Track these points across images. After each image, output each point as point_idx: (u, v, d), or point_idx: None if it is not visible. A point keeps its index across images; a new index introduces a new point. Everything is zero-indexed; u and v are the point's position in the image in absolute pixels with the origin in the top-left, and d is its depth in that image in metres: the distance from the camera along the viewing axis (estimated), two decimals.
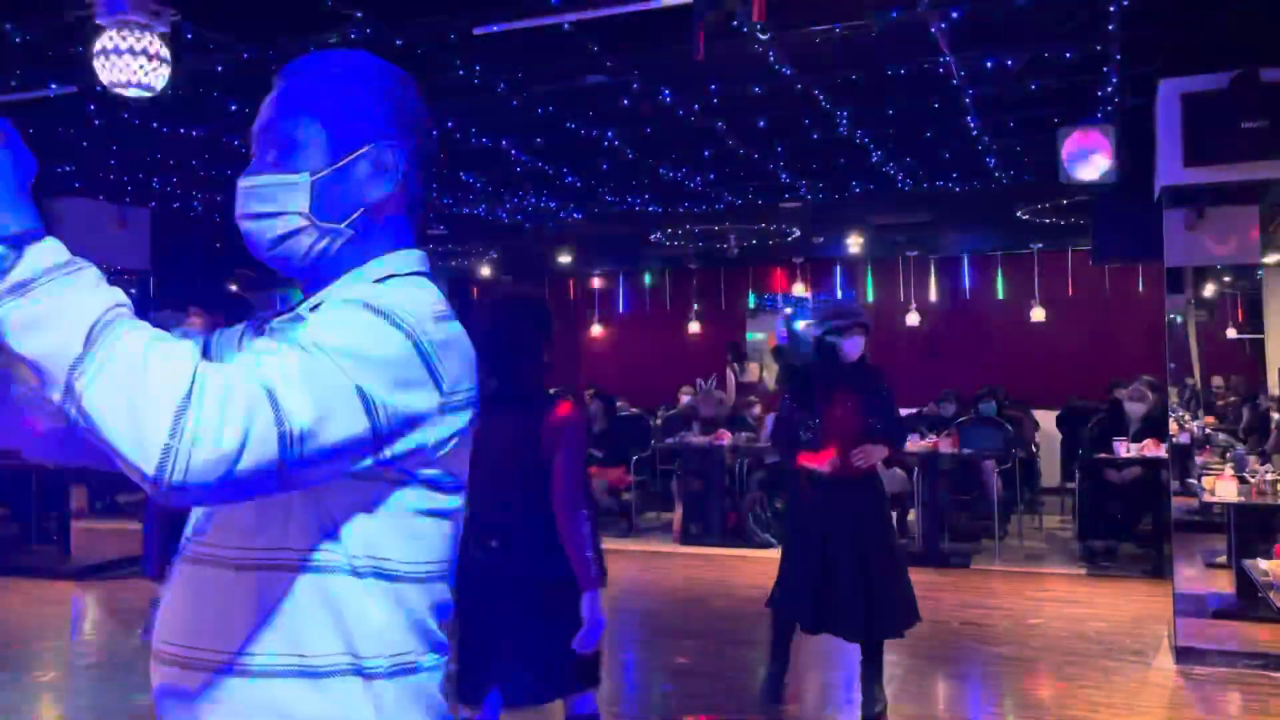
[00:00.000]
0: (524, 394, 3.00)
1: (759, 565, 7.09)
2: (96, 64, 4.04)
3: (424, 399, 1.09)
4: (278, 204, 1.19)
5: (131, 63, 4.01)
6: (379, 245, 1.23)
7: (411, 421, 1.08)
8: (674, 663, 5.41)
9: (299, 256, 1.22)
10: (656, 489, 10.00)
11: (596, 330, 14.41)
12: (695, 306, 13.61)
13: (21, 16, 4.71)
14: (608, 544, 8.36)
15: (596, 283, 14.51)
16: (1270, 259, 8.42)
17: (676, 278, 14.01)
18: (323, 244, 1.21)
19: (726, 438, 8.66)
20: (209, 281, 10.29)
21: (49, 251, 0.97)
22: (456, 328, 1.17)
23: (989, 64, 5.59)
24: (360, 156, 1.21)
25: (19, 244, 0.96)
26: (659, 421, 10.45)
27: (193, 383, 0.92)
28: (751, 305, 13.72)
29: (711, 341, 13.09)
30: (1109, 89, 6.03)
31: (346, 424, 1.00)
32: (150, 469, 0.91)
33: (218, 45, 5.10)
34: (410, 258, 1.24)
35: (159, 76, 4.10)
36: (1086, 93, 6.17)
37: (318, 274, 1.23)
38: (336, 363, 1.01)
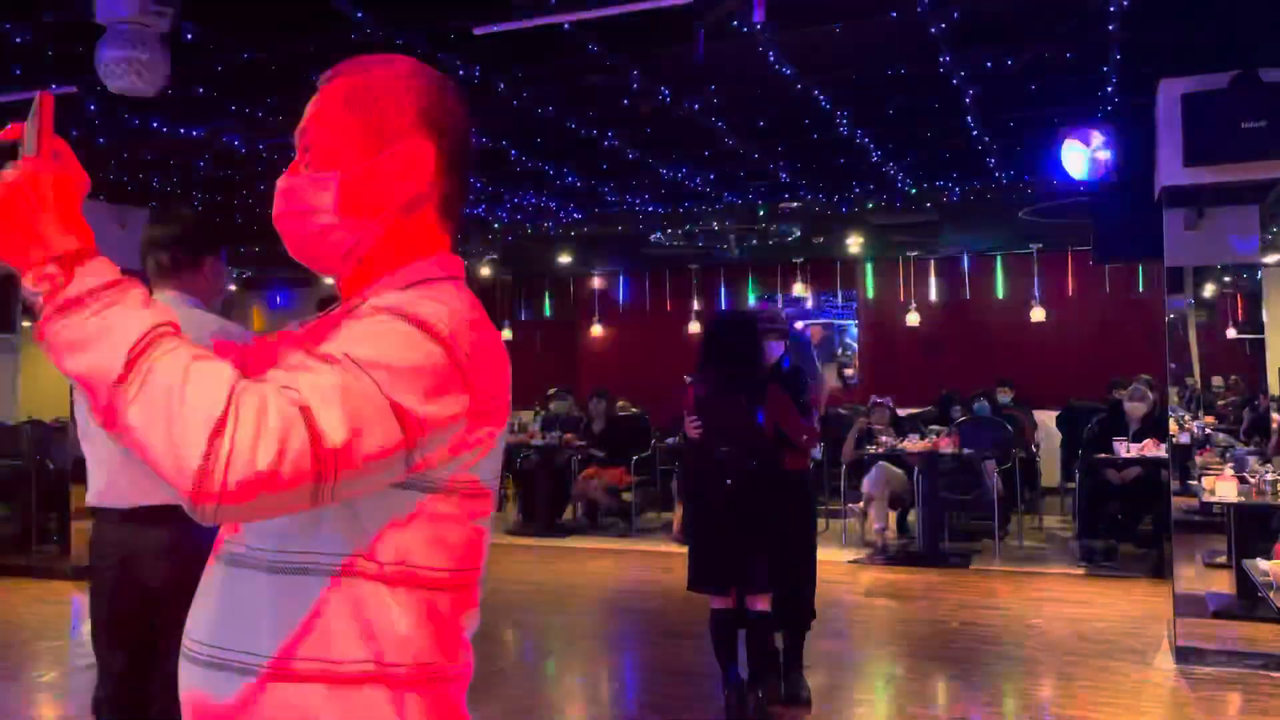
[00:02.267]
0: (744, 381, 4.33)
1: None
2: (97, 64, 4.04)
3: (456, 407, 1.09)
4: (309, 202, 1.21)
5: (132, 63, 4.01)
6: (413, 246, 1.24)
7: (444, 430, 1.08)
8: (674, 663, 5.41)
9: (331, 255, 1.24)
10: (656, 489, 10.00)
11: (596, 330, 14.41)
12: (695, 306, 13.60)
13: (21, 16, 4.71)
14: (608, 544, 8.41)
15: (596, 283, 14.50)
16: (1270, 259, 8.44)
17: (676, 278, 14.01)
18: (354, 242, 1.22)
19: None
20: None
21: (98, 271, 0.98)
22: (490, 335, 1.17)
23: (989, 64, 5.59)
24: (391, 155, 1.21)
25: (70, 264, 0.98)
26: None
27: (228, 403, 0.93)
28: (752, 305, 13.72)
29: None
30: (1109, 89, 6.03)
31: (380, 439, 1.01)
32: (187, 489, 0.92)
33: (218, 45, 5.10)
34: (444, 263, 1.24)
35: (159, 76, 4.10)
36: (1086, 93, 6.17)
37: (352, 273, 1.24)
38: (370, 375, 1.01)
